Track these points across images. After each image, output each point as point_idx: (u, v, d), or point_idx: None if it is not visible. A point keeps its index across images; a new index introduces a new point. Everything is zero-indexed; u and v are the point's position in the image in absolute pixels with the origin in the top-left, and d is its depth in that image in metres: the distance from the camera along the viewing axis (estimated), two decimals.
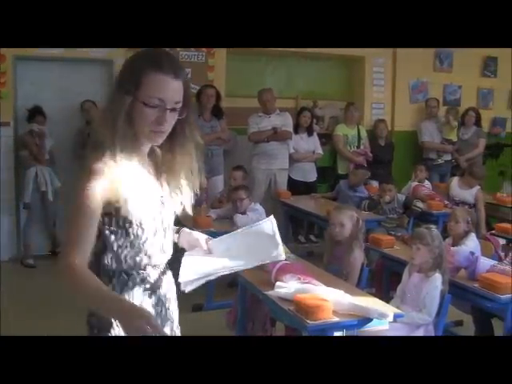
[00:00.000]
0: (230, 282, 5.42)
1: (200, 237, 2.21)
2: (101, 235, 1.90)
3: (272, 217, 2.31)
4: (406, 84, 8.95)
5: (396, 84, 8.87)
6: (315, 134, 7.71)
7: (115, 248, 1.94)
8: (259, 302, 4.06)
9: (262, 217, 5.45)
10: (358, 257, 4.21)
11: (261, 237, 2.22)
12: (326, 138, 8.16)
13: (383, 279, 4.82)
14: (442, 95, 9.18)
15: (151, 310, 1.97)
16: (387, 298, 4.05)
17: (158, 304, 2.05)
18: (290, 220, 7.29)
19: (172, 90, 1.88)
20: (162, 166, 2.03)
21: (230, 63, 7.71)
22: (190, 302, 5.09)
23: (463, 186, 6.79)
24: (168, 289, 2.11)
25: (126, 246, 1.94)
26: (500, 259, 4.52)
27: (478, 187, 6.76)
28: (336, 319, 3.09)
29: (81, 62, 6.90)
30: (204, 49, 7.51)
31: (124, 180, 1.85)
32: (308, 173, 7.56)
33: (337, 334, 3.10)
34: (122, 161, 1.84)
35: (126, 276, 1.96)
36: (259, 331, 4.24)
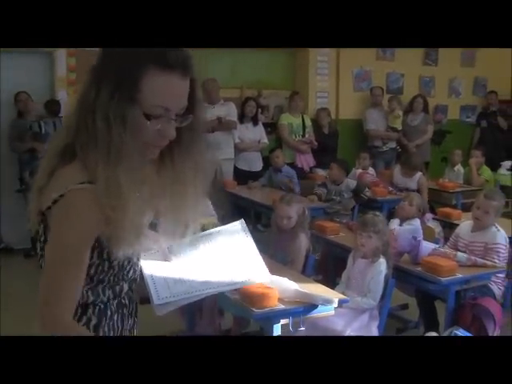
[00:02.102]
0: None
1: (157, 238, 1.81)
2: None
3: (242, 221, 2.06)
4: (350, 73, 9.03)
5: (340, 73, 8.93)
6: (260, 123, 7.73)
7: (94, 282, 1.60)
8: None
9: (208, 208, 5.42)
10: (303, 243, 4.22)
11: (234, 248, 1.95)
12: (271, 127, 8.19)
13: (329, 266, 4.86)
14: (385, 83, 9.29)
15: (128, 334, 1.77)
16: (333, 285, 4.08)
17: (133, 326, 1.81)
18: (237, 210, 7.28)
19: (178, 94, 1.51)
20: (154, 187, 1.60)
21: None
22: (138, 294, 5.02)
23: (406, 173, 6.92)
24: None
25: (109, 280, 1.62)
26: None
27: (421, 173, 6.90)
28: (282, 307, 3.10)
29: (18, 52, 6.73)
30: None
31: (116, 207, 1.45)
32: (253, 162, 7.57)
33: (283, 321, 3.11)
34: (112, 182, 1.44)
35: (102, 306, 1.65)
36: (207, 321, 4.23)
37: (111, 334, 1.70)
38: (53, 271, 1.49)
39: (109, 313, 1.68)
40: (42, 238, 1.56)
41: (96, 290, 1.62)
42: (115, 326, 1.70)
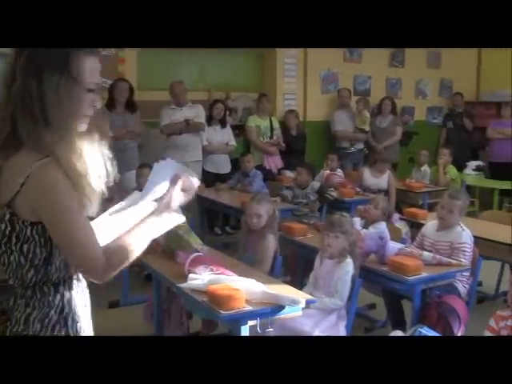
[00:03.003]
0: (146, 276, 5.39)
1: None
2: (47, 242, 1.74)
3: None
4: (317, 75, 9.07)
5: (307, 75, 8.97)
6: (228, 125, 7.71)
7: (59, 257, 1.78)
8: (174, 295, 4.05)
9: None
10: (271, 243, 4.23)
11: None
12: (239, 130, 8.19)
13: (297, 267, 4.88)
14: (353, 85, 9.34)
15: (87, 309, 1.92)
16: (302, 286, 4.11)
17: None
18: (206, 213, 7.27)
19: (99, 71, 1.82)
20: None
21: (141, 56, 7.59)
22: (107, 298, 5.02)
23: (375, 174, 7.02)
24: None
25: None
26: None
27: (389, 172, 7.01)
28: (249, 308, 3.10)
29: None
30: None
31: (79, 173, 1.70)
32: (221, 165, 7.55)
33: (251, 322, 3.11)
34: (71, 151, 1.69)
35: (70, 280, 1.83)
36: (175, 324, 4.22)
37: (81, 309, 1.86)
38: (74, 234, 1.68)
39: (75, 287, 1.84)
40: (8, 229, 1.71)
41: (62, 265, 1.78)
42: (82, 301, 1.87)
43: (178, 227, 4.21)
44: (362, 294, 4.19)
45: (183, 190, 1.97)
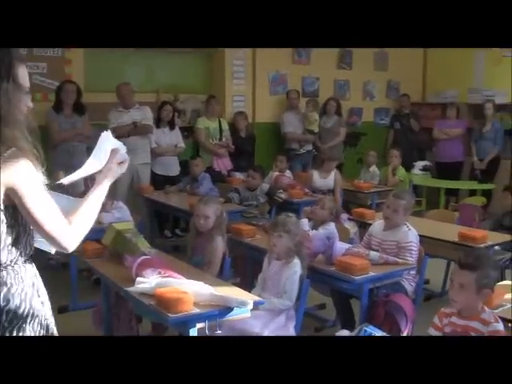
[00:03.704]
0: (94, 280, 5.33)
1: None
2: (16, 223, 2.03)
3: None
4: (266, 76, 9.08)
5: (256, 76, 8.98)
6: (177, 127, 7.68)
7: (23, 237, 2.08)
8: (123, 300, 4.00)
9: (125, 214, 5.37)
10: (220, 245, 4.23)
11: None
12: (188, 132, 8.16)
13: (247, 269, 4.88)
14: (301, 87, 9.39)
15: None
16: (251, 287, 4.10)
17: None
18: (155, 215, 7.23)
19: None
20: None
21: (88, 57, 7.48)
22: (55, 303, 4.92)
23: (322, 175, 7.12)
24: None
25: (28, 234, 2.10)
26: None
27: (336, 171, 7.12)
28: (197, 310, 3.09)
29: None
30: None
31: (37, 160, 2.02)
32: (171, 167, 7.52)
33: (199, 325, 3.10)
34: (28, 142, 2.02)
35: (28, 261, 2.13)
36: (125, 329, 4.17)
37: (41, 282, 2.18)
38: (44, 208, 2.00)
39: (33, 264, 2.16)
40: None
41: (28, 243, 2.10)
42: (38, 284, 2.17)
43: (125, 231, 4.19)
44: (311, 295, 4.21)
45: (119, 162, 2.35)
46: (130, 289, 3.39)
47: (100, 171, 2.31)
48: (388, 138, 9.84)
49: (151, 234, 6.57)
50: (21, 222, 2.04)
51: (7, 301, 2.03)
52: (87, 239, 4.20)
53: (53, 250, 2.29)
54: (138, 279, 3.42)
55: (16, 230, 2.03)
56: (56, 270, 5.64)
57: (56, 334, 2.25)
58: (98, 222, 5.05)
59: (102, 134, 2.38)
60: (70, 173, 2.36)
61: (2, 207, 1.97)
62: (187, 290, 3.16)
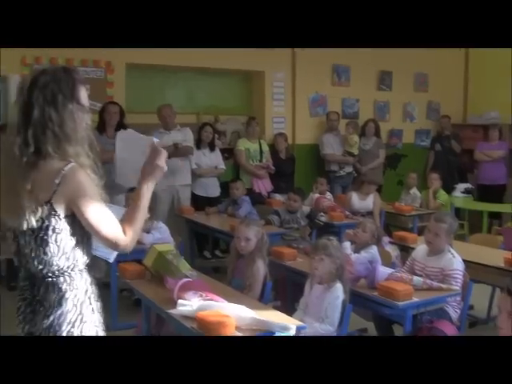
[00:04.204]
0: (135, 301, 5.34)
1: None
2: (75, 232, 2.20)
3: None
4: (306, 98, 9.09)
5: (296, 98, 8.98)
6: (217, 149, 7.70)
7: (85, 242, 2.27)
8: (163, 321, 4.01)
9: (165, 234, 5.39)
10: (261, 268, 4.22)
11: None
12: (229, 153, 8.19)
13: (288, 292, 4.85)
14: (341, 108, 9.36)
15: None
16: (292, 311, 4.07)
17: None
18: (195, 236, 7.24)
19: None
20: None
21: (130, 79, 7.59)
22: None
23: (361, 197, 7.07)
24: None
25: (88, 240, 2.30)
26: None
27: (375, 193, 7.06)
28: (239, 334, 3.07)
29: None
30: (103, 65, 7.39)
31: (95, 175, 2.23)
32: (211, 188, 7.53)
33: None
34: (88, 158, 2.22)
35: (86, 267, 2.31)
36: None
37: (96, 290, 2.35)
38: (101, 217, 2.18)
39: (89, 273, 2.32)
40: (46, 224, 2.15)
41: (85, 251, 2.27)
42: (94, 284, 2.35)
43: (167, 252, 4.20)
44: (353, 318, 4.15)
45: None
46: (172, 311, 3.40)
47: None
48: (428, 160, 9.73)
49: (191, 255, 6.58)
50: (79, 232, 2.21)
51: (60, 305, 2.19)
52: (128, 260, 4.28)
53: (111, 259, 2.57)
54: (180, 301, 3.42)
55: (75, 238, 2.20)
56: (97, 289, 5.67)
57: None
58: (139, 242, 5.13)
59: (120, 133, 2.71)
60: (112, 193, 2.48)
61: (63, 216, 2.14)
62: (229, 314, 3.15)
